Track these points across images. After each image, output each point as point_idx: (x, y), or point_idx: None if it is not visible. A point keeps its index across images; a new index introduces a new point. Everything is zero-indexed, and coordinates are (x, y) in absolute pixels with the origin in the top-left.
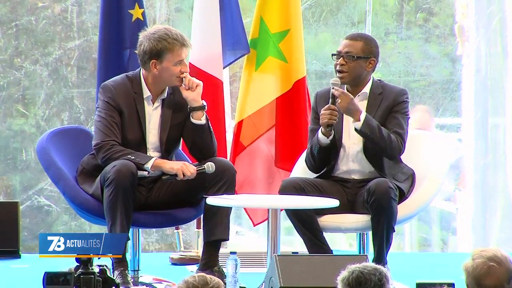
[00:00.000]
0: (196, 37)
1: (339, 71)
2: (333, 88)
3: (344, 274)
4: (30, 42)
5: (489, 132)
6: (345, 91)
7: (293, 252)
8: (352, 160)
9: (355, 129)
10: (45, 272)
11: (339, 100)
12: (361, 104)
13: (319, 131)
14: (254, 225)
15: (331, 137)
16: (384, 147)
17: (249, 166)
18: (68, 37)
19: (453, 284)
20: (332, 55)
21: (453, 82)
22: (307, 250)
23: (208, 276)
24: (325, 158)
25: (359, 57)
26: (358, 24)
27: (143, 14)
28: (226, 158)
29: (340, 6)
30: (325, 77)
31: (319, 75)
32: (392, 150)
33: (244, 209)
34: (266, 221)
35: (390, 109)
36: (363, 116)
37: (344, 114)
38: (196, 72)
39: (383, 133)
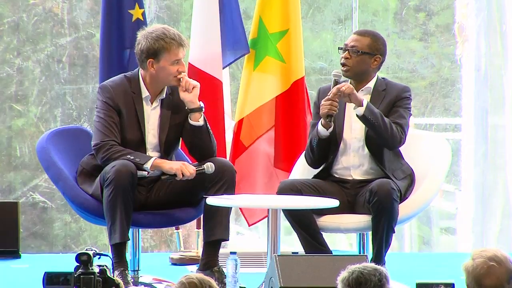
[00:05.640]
0: (195, 37)
1: (343, 65)
2: (335, 77)
3: (344, 274)
4: (22, 39)
5: (489, 131)
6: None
7: (293, 252)
8: (353, 155)
9: (357, 116)
10: (45, 272)
11: (345, 86)
12: (365, 98)
13: (319, 122)
14: (249, 225)
15: (330, 129)
16: (386, 136)
17: (249, 167)
18: (60, 34)
19: (453, 284)
20: (339, 48)
21: (441, 78)
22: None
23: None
24: (324, 152)
25: (365, 52)
26: (345, 21)
27: (143, 14)
28: (226, 158)
29: (326, 3)
30: (313, 73)
31: (307, 72)
32: (393, 138)
33: (240, 209)
34: (263, 220)
35: (392, 104)
36: (365, 102)
37: (346, 110)
38: (195, 72)
39: (385, 121)
